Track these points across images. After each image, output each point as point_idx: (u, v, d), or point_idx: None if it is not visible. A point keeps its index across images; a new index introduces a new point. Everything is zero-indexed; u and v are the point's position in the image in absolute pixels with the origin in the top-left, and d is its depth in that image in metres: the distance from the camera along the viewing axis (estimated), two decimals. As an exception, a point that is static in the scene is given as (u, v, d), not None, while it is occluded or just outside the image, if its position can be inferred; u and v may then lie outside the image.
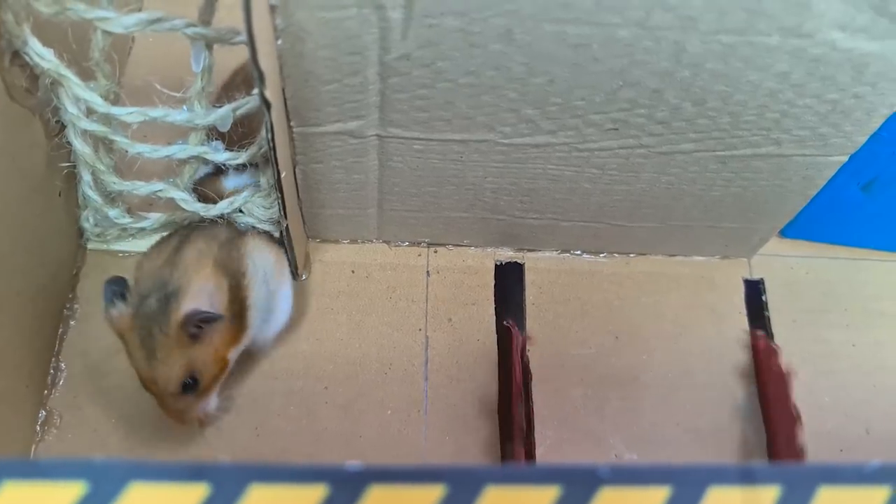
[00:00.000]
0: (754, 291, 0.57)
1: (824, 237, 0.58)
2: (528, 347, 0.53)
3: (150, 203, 0.52)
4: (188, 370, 0.43)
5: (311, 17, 0.35)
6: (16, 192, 0.45)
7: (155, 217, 0.51)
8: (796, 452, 0.50)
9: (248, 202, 0.48)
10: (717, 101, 0.41)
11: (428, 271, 0.56)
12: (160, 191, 0.47)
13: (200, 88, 0.43)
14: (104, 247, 0.54)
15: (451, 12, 0.35)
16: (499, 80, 0.39)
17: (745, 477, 0.23)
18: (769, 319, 0.56)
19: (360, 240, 0.56)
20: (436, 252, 0.56)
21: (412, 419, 0.51)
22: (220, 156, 0.45)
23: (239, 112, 0.44)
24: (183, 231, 0.47)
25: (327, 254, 0.56)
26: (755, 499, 0.23)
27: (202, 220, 0.47)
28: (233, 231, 0.47)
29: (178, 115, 0.43)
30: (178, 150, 0.45)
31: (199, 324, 0.42)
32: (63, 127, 0.46)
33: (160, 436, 0.49)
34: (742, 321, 0.56)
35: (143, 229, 0.52)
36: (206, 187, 0.48)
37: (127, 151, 0.44)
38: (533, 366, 0.53)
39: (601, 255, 0.57)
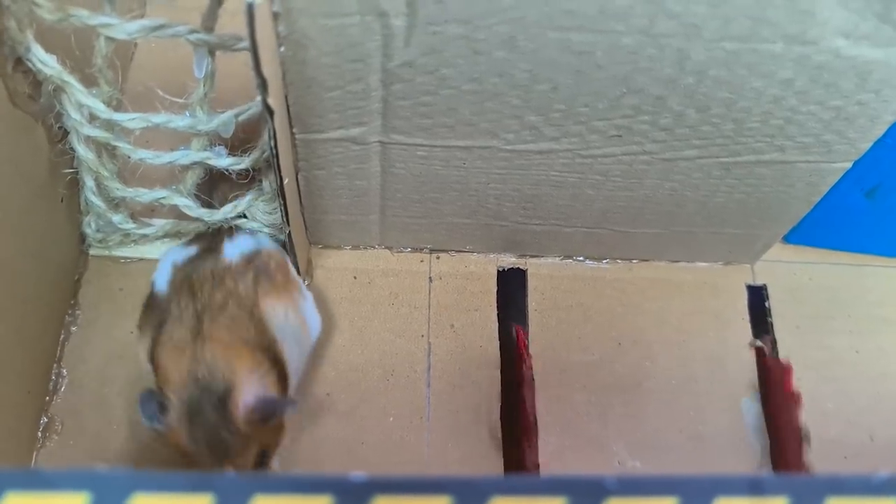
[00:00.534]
0: (757, 297, 0.57)
1: (828, 243, 0.58)
2: (530, 354, 0.53)
3: (152, 209, 0.52)
4: (261, 449, 0.42)
5: (314, 24, 0.35)
6: (18, 197, 0.45)
7: (159, 224, 0.51)
8: (801, 467, 0.50)
9: (251, 206, 0.48)
10: (721, 107, 0.41)
11: (430, 277, 0.56)
12: (163, 198, 0.47)
13: (203, 94, 0.42)
14: (106, 253, 0.54)
15: (455, 20, 0.35)
16: (502, 86, 0.39)
17: (753, 488, 0.23)
18: (772, 325, 0.56)
19: (362, 246, 0.56)
20: (438, 258, 0.56)
21: (414, 426, 0.51)
22: (223, 161, 0.45)
23: (241, 118, 0.44)
24: (189, 307, 0.44)
25: (329, 260, 0.56)
26: (762, 510, 0.22)
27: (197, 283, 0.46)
28: (241, 297, 0.45)
29: (180, 121, 0.43)
30: (181, 156, 0.45)
31: (265, 411, 0.41)
32: (66, 133, 0.46)
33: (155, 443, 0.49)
34: (745, 327, 0.56)
35: (146, 235, 0.52)
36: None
37: (129, 157, 0.44)
38: (535, 372, 0.53)
39: (604, 261, 0.57)
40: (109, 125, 0.43)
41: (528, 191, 0.48)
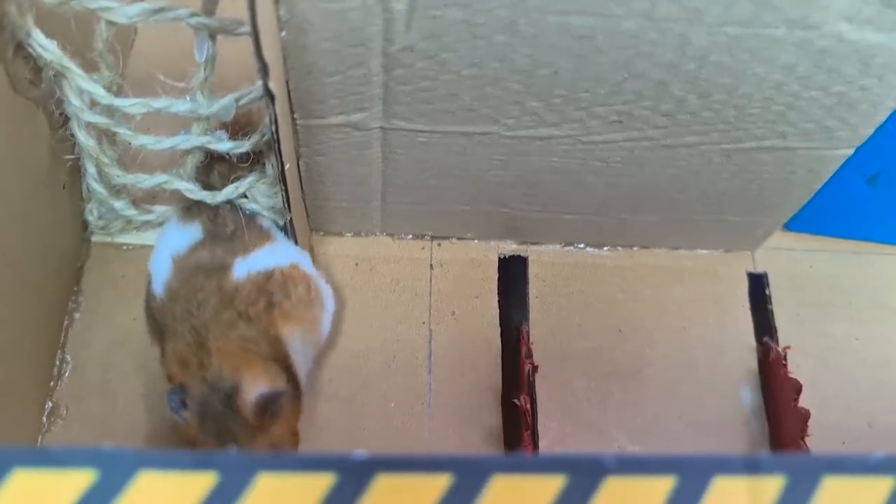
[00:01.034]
0: (758, 285, 0.57)
1: (828, 231, 0.58)
2: (531, 341, 0.53)
3: (153, 196, 0.52)
4: (273, 447, 0.43)
5: (315, 8, 0.35)
6: (20, 184, 0.45)
7: (161, 210, 0.51)
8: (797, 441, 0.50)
9: (252, 188, 0.48)
10: (723, 93, 0.40)
11: (431, 264, 0.56)
12: (165, 183, 0.47)
13: (203, 79, 0.42)
14: (108, 239, 0.54)
15: (455, 3, 0.35)
16: (503, 71, 0.39)
17: (750, 467, 0.23)
18: (772, 313, 0.56)
19: (363, 233, 0.56)
20: (439, 245, 0.56)
21: (415, 412, 0.51)
22: (224, 145, 0.45)
23: (242, 102, 0.44)
24: (185, 322, 0.45)
25: (331, 246, 0.56)
26: (760, 488, 0.23)
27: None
28: (252, 318, 0.45)
29: (181, 106, 0.43)
30: (182, 141, 0.45)
31: (270, 404, 0.41)
32: (67, 119, 0.46)
33: (161, 425, 0.49)
34: (746, 315, 0.56)
35: (148, 222, 0.52)
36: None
37: (130, 143, 0.44)
38: (536, 358, 0.53)
39: (605, 248, 0.57)
40: (110, 111, 0.43)
41: (528, 177, 0.48)
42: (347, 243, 0.56)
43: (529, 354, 0.52)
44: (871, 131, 0.44)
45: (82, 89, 0.42)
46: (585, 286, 0.56)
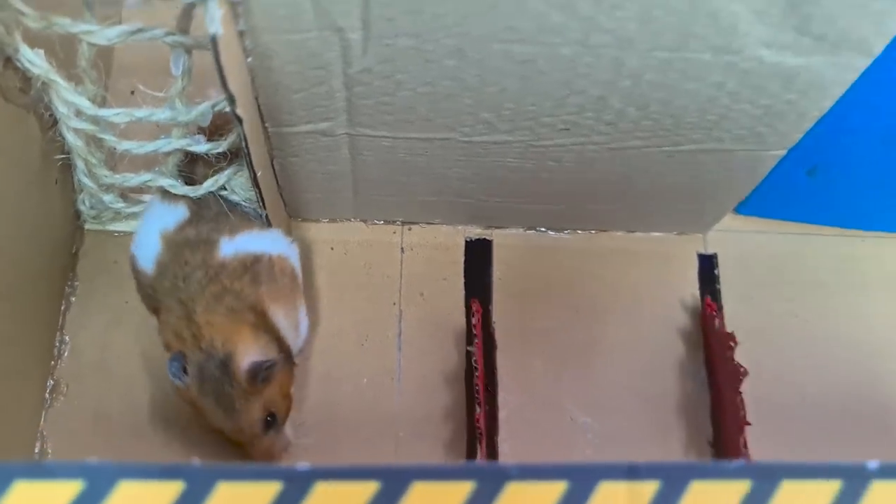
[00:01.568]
0: (708, 265, 0.61)
1: (776, 214, 0.62)
2: (493, 320, 0.58)
3: (141, 188, 0.55)
4: (266, 410, 0.47)
5: (277, 39, 0.38)
6: (14, 184, 0.48)
7: (147, 200, 0.55)
8: (739, 411, 0.55)
9: (230, 180, 0.51)
10: (659, 105, 0.44)
11: (402, 248, 0.60)
12: (149, 181, 0.51)
13: (181, 89, 0.46)
14: (100, 227, 0.58)
15: (405, 34, 0.38)
16: (454, 89, 0.42)
17: (630, 473, 0.27)
18: (720, 292, 0.60)
19: (338, 219, 0.60)
20: (410, 229, 0.60)
21: (386, 386, 0.56)
22: (202, 147, 0.49)
23: (217, 108, 0.47)
24: (174, 295, 0.48)
25: (309, 232, 0.60)
26: (638, 492, 0.27)
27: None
28: (239, 293, 0.48)
29: (161, 114, 0.46)
30: (163, 145, 0.48)
31: (263, 372, 0.45)
32: (56, 121, 0.50)
33: (155, 399, 0.54)
34: (695, 294, 0.60)
35: (136, 213, 0.56)
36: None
37: (115, 148, 0.48)
38: (498, 336, 0.57)
39: (565, 231, 0.61)
40: (95, 119, 0.47)
41: (487, 174, 0.52)
42: (324, 228, 0.60)
43: (488, 333, 0.57)
44: (800, 136, 0.47)
45: (68, 101, 0.45)
46: (546, 268, 0.60)
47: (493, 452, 0.54)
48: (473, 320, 0.56)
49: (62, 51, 0.45)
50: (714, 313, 0.57)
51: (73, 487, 0.25)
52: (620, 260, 0.61)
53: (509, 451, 0.55)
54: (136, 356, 0.55)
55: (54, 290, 0.55)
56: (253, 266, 0.49)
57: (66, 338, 0.55)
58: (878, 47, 0.39)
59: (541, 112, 0.44)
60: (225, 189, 0.52)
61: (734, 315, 0.59)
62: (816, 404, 0.58)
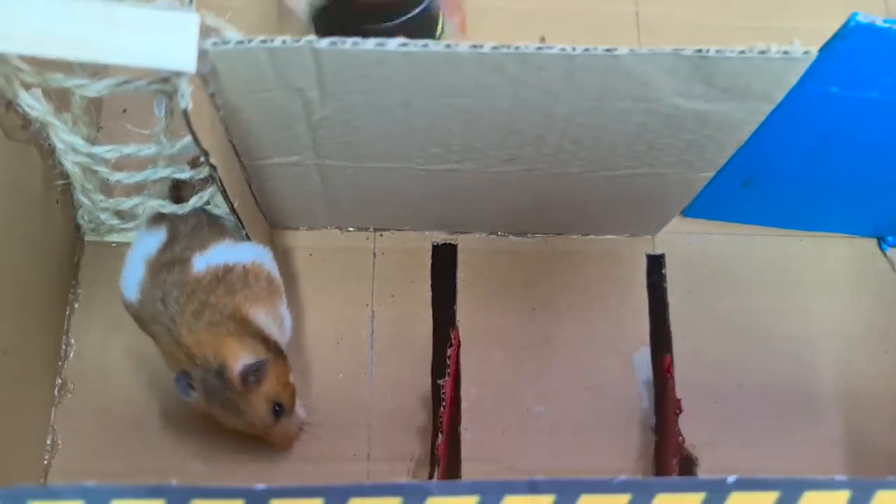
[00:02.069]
0: (656, 265, 0.67)
1: (720, 216, 0.67)
2: (458, 318, 0.64)
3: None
4: (270, 403, 0.52)
5: (244, 98, 0.43)
6: (19, 206, 0.54)
7: (141, 217, 0.61)
8: (675, 401, 0.61)
9: (214, 196, 0.57)
10: (591, 141, 0.49)
11: (374, 253, 0.65)
12: (140, 204, 0.56)
13: (164, 126, 0.51)
14: (99, 239, 0.63)
15: (357, 91, 0.43)
16: (405, 130, 0.47)
17: (531, 488, 0.33)
18: (666, 290, 0.66)
19: (316, 227, 0.65)
20: (381, 236, 0.66)
21: (360, 381, 0.62)
22: (185, 174, 0.54)
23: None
24: (160, 319, 0.52)
25: (288, 239, 0.65)
26: (538, 502, 0.33)
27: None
28: (216, 305, 0.52)
29: (147, 150, 0.51)
30: (151, 174, 0.53)
31: (254, 374, 0.50)
32: (55, 150, 0.55)
33: (153, 394, 0.60)
34: (643, 292, 0.66)
35: (130, 228, 0.61)
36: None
37: (108, 179, 0.53)
38: (461, 334, 0.63)
39: (525, 235, 0.66)
40: (89, 154, 0.52)
41: (446, 194, 0.57)
42: (302, 236, 0.65)
43: (456, 332, 0.62)
44: (724, 161, 0.52)
45: (64, 140, 0.51)
46: (506, 270, 0.66)
47: (456, 441, 0.61)
48: (449, 351, 0.62)
49: (56, 96, 0.50)
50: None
51: (75, 507, 0.32)
52: (574, 261, 0.66)
53: (470, 438, 0.61)
54: (134, 356, 0.61)
55: (59, 297, 0.61)
56: (225, 277, 0.53)
57: (72, 340, 0.61)
58: (779, 96, 0.44)
59: (486, 147, 0.49)
60: (209, 204, 0.57)
61: (679, 311, 0.65)
62: (753, 393, 0.64)
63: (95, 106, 0.58)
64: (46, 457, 0.58)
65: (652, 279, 0.66)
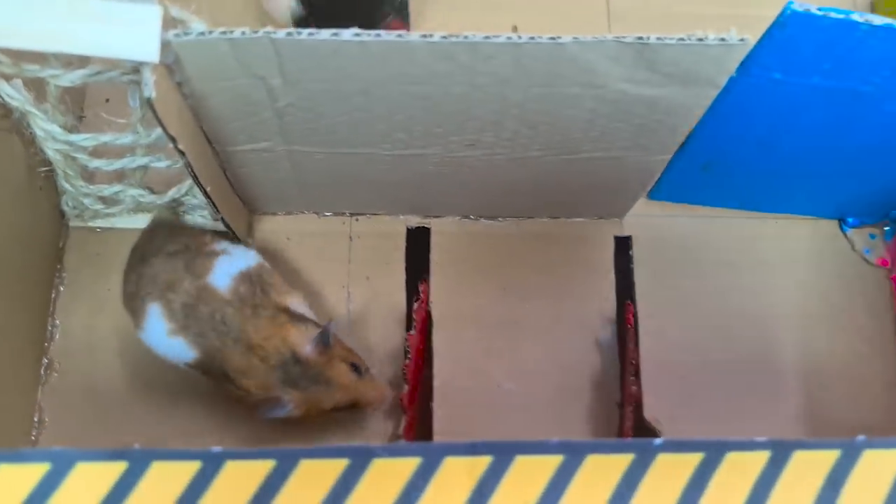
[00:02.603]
0: (623, 247, 0.69)
1: (686, 199, 0.69)
2: (431, 299, 0.66)
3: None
4: (347, 362, 0.55)
5: (209, 85, 0.45)
6: (3, 195, 0.56)
7: (123, 204, 0.63)
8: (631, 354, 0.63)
9: (191, 188, 0.59)
10: (547, 126, 0.51)
11: (350, 237, 0.68)
12: (120, 191, 0.58)
13: (140, 116, 0.53)
14: (83, 224, 0.66)
15: (317, 80, 0.45)
16: (367, 117, 0.50)
17: (470, 450, 0.35)
18: (633, 271, 0.68)
19: (293, 212, 0.67)
20: (357, 220, 0.68)
21: (335, 360, 0.64)
22: (162, 163, 0.56)
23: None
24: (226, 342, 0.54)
25: (267, 224, 0.67)
26: (475, 465, 0.35)
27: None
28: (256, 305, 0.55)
29: (125, 139, 0.53)
30: (129, 162, 0.56)
31: (323, 339, 0.53)
32: (36, 136, 0.57)
33: (135, 373, 0.63)
34: (610, 273, 0.68)
35: (113, 213, 0.64)
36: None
37: (87, 166, 0.55)
38: (435, 314, 0.65)
39: (496, 219, 0.69)
40: (68, 142, 0.54)
41: (414, 179, 0.59)
42: (280, 221, 0.68)
43: (429, 311, 0.65)
44: (678, 144, 0.54)
45: (43, 128, 0.53)
46: (478, 252, 0.68)
47: (428, 416, 0.63)
48: (416, 305, 0.64)
49: (34, 86, 0.52)
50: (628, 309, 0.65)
51: (42, 468, 0.34)
52: (544, 243, 0.68)
53: (443, 415, 0.63)
54: (117, 337, 0.64)
55: (45, 280, 0.64)
56: (250, 279, 0.56)
57: (57, 322, 0.64)
58: (722, 80, 0.46)
59: (447, 132, 0.52)
60: (187, 195, 0.60)
61: (646, 292, 0.67)
62: (716, 370, 0.66)
63: (79, 95, 0.60)
64: (34, 433, 0.61)
65: (619, 260, 0.68)
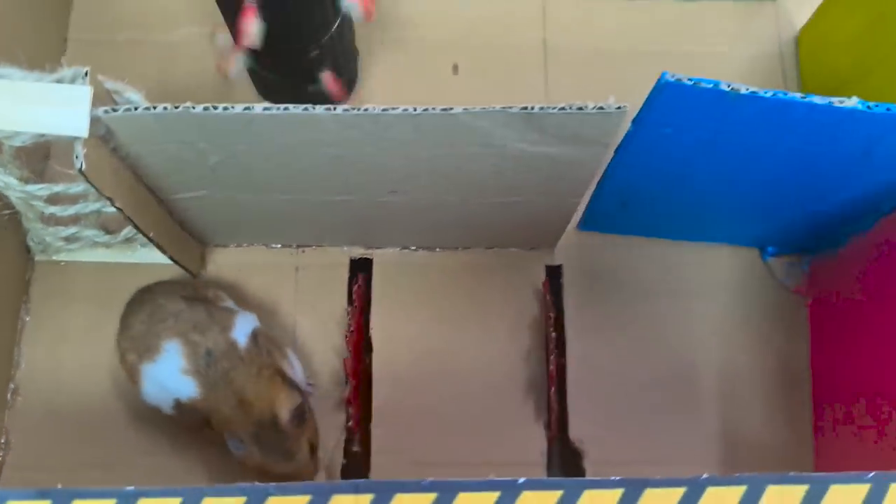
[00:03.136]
0: (555, 276, 0.73)
1: (612, 230, 0.73)
2: (371, 327, 0.71)
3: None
4: (309, 442, 0.60)
5: (142, 149, 0.50)
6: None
7: (83, 241, 0.68)
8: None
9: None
10: (460, 177, 0.55)
11: (297, 267, 0.72)
12: (76, 233, 0.63)
13: (89, 168, 0.58)
14: (47, 258, 0.71)
15: (240, 143, 0.50)
16: (291, 171, 0.54)
17: (354, 488, 0.40)
18: (563, 298, 0.72)
19: (244, 244, 0.72)
20: (303, 252, 0.73)
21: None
22: (113, 208, 0.61)
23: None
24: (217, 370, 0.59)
25: (220, 256, 0.72)
26: (360, 500, 0.40)
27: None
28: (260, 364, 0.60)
29: (77, 188, 0.58)
30: (82, 208, 0.60)
31: (298, 415, 0.58)
32: (-1, 184, 0.62)
33: (95, 398, 0.68)
34: (541, 300, 0.72)
35: (74, 249, 0.68)
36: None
37: (44, 212, 0.60)
38: (375, 340, 0.70)
39: (434, 250, 0.73)
40: (24, 192, 0.59)
41: (345, 218, 0.64)
42: (231, 253, 0.72)
43: (367, 335, 0.69)
44: (586, 189, 0.58)
45: (2, 180, 0.58)
46: (416, 282, 0.72)
47: (367, 437, 0.68)
48: (350, 330, 0.69)
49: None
50: (551, 316, 0.70)
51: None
52: (478, 273, 0.73)
53: (380, 434, 0.68)
54: (79, 365, 0.69)
55: (12, 311, 0.69)
56: (257, 340, 0.61)
57: (23, 350, 0.69)
58: (609, 140, 0.50)
59: (367, 182, 0.56)
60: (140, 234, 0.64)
61: (574, 319, 0.71)
62: (639, 392, 0.70)
63: (44, 147, 0.65)
64: (0, 454, 0.66)
65: (550, 288, 0.73)
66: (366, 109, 0.46)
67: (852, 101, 0.47)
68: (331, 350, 0.70)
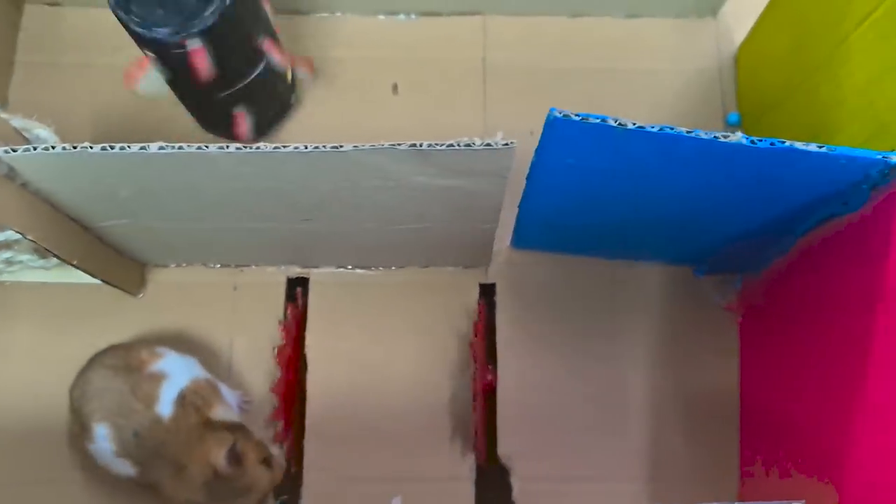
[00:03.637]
0: (488, 293, 0.74)
1: (545, 248, 0.74)
2: (307, 345, 0.72)
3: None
4: (260, 459, 0.61)
5: (52, 185, 0.52)
6: None
7: (21, 263, 0.70)
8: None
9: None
10: (370, 206, 0.56)
11: (235, 286, 0.74)
12: (10, 257, 0.65)
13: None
14: (-9, 279, 0.73)
15: (143, 178, 0.51)
16: (202, 203, 0.56)
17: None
18: (495, 316, 0.73)
19: (183, 263, 0.74)
20: (242, 271, 0.74)
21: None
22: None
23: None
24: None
25: (160, 275, 0.74)
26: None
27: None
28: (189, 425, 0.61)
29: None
30: (9, 236, 0.62)
31: (233, 456, 0.59)
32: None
33: (31, 417, 0.70)
34: (474, 318, 0.73)
35: (14, 271, 0.70)
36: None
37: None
38: (310, 358, 0.72)
39: (371, 268, 0.74)
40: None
41: (274, 241, 0.65)
42: (172, 272, 0.74)
43: (302, 354, 0.71)
44: (497, 216, 0.59)
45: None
46: (352, 300, 0.74)
47: (300, 454, 0.69)
48: (281, 346, 0.71)
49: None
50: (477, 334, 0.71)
51: None
52: (414, 291, 0.74)
53: (313, 450, 0.70)
54: (21, 384, 0.71)
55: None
56: (183, 402, 0.62)
57: (-33, 368, 0.71)
58: (504, 172, 0.51)
59: (279, 212, 0.58)
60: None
61: (507, 335, 0.73)
62: (568, 409, 0.71)
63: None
64: (-57, 470, 0.68)
65: (483, 306, 0.74)
66: (258, 147, 0.47)
67: (736, 136, 0.48)
68: (265, 366, 0.72)
